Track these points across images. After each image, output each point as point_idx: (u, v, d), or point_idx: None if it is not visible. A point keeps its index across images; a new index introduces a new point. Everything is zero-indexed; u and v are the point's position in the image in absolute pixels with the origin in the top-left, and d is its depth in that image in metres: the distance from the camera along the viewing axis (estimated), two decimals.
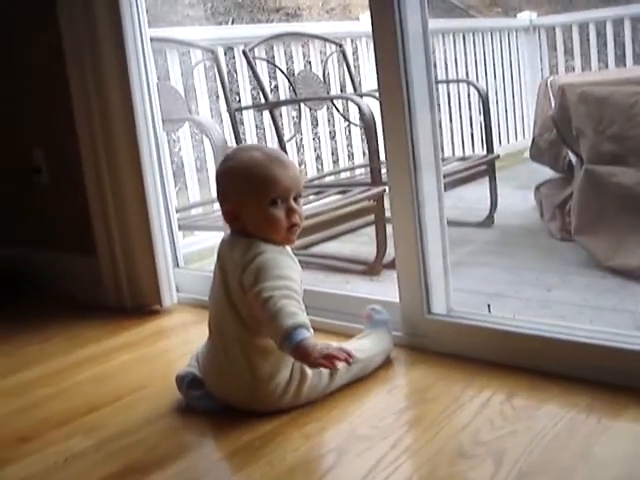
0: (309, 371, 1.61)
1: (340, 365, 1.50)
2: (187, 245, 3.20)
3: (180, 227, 2.72)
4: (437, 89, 4.67)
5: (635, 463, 1.33)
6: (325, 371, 1.64)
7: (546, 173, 3.60)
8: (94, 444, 1.59)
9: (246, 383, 1.61)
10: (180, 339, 2.25)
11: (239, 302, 1.60)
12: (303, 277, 1.66)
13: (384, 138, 1.88)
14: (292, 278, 1.56)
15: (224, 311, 1.64)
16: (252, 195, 1.60)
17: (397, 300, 1.93)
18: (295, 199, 1.63)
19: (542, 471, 1.32)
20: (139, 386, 1.88)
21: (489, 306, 1.88)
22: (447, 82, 4.74)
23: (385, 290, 2.19)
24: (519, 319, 1.80)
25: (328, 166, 3.97)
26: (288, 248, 1.68)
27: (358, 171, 3.80)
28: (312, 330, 1.49)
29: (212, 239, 2.88)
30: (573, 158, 3.10)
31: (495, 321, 1.81)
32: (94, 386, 1.92)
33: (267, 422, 1.59)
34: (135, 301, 2.44)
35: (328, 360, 1.45)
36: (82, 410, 1.76)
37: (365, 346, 1.77)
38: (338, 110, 3.80)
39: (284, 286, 1.52)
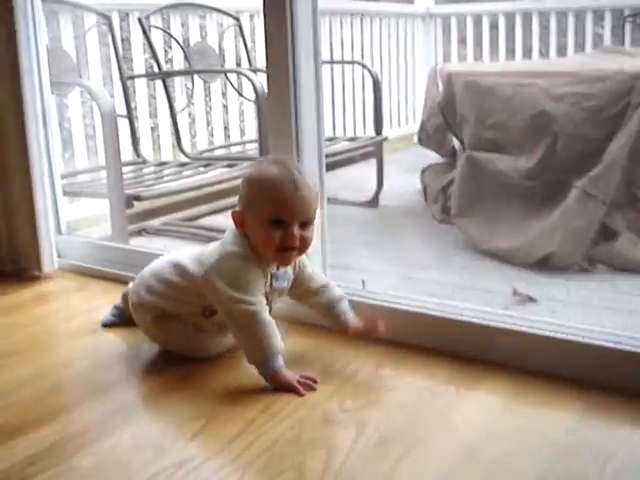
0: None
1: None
2: (73, 211, 3.17)
3: (65, 193, 2.69)
4: (332, 69, 4.74)
5: (488, 428, 1.42)
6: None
7: (435, 157, 3.71)
8: None
9: None
10: (59, 305, 2.22)
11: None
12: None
13: (268, 115, 1.92)
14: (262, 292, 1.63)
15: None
16: (256, 209, 1.60)
17: None
18: (304, 224, 1.60)
19: (401, 436, 1.40)
20: (13, 350, 1.86)
21: (363, 282, 1.95)
22: (342, 63, 4.80)
23: None
24: (390, 294, 1.87)
25: (220, 139, 3.98)
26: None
27: (249, 146, 3.83)
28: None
29: (100, 207, 2.87)
30: (457, 144, 3.22)
31: (367, 296, 1.87)
32: None
33: (147, 385, 1.64)
34: (14, 265, 2.40)
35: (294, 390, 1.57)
36: None
37: None
38: (232, 84, 3.81)
39: (258, 302, 1.59)
